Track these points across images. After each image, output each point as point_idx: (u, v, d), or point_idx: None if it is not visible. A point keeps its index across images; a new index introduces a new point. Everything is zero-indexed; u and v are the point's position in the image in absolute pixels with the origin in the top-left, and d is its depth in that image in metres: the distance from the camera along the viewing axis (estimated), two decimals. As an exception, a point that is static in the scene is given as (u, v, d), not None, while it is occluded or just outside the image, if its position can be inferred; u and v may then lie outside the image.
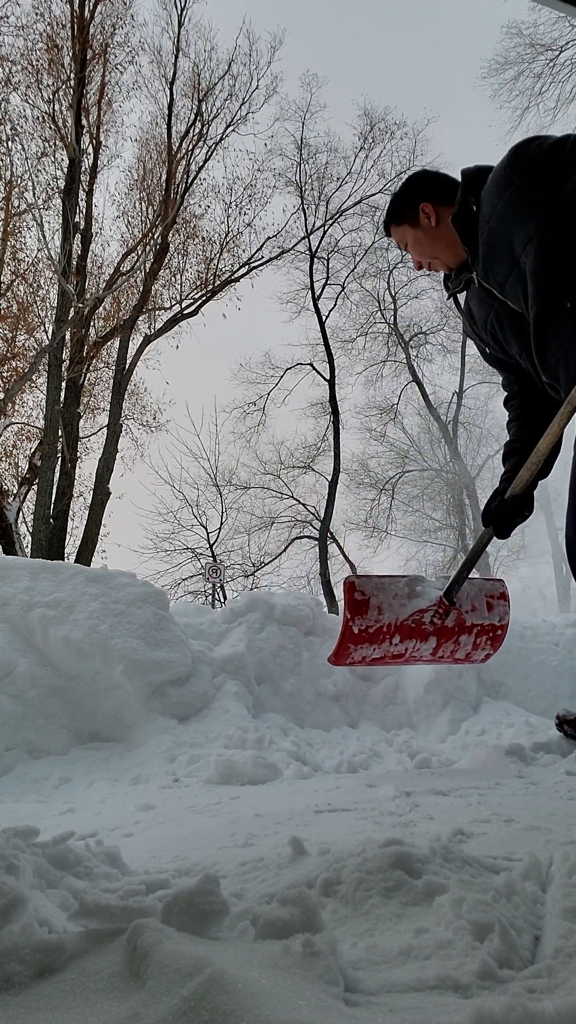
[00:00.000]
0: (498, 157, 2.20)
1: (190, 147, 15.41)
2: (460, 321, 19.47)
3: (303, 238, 18.04)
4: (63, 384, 12.95)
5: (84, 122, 13.95)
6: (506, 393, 2.69)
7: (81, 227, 14.04)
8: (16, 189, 13.62)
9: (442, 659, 3.09)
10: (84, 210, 14.43)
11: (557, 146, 2.04)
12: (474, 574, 3.20)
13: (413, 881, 1.06)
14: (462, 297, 2.64)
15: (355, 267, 19.07)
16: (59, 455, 12.97)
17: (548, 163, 2.04)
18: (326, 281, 18.93)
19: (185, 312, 16.28)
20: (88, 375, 15.29)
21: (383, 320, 20.10)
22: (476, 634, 3.08)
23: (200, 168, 15.66)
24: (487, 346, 2.52)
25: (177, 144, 15.21)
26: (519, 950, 0.89)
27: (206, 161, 15.71)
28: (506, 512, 2.61)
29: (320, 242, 18.38)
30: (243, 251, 16.87)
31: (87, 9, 13.80)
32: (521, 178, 2.09)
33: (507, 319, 2.32)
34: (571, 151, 2.00)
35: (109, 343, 15.37)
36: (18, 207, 13.87)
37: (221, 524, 20.16)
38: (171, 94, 15.14)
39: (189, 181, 15.41)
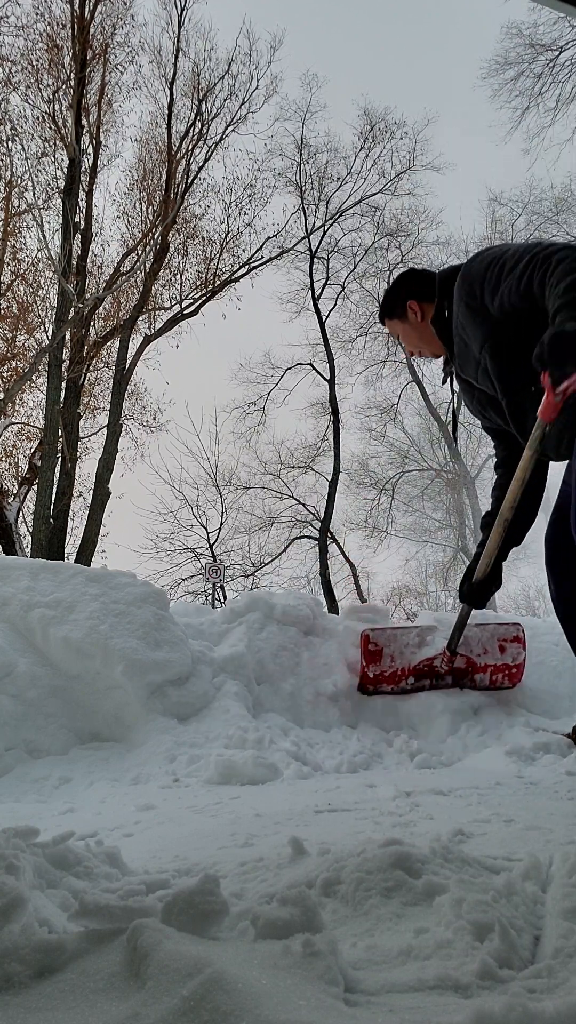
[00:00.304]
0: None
1: (190, 147, 15.42)
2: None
3: (303, 238, 18.04)
4: (63, 384, 12.95)
5: (84, 122, 13.95)
6: (496, 460, 2.99)
7: (81, 227, 14.05)
8: (16, 189, 13.63)
9: (463, 688, 3.52)
10: (84, 210, 14.43)
11: (490, 265, 2.33)
12: (490, 618, 3.66)
13: (413, 881, 1.06)
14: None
15: (355, 267, 19.08)
16: (59, 455, 12.98)
17: (478, 283, 2.36)
18: (326, 281, 18.94)
19: (185, 312, 16.28)
20: (88, 375, 15.30)
21: (383, 320, 20.07)
22: (491, 672, 3.51)
23: (200, 168, 15.68)
24: (481, 418, 2.80)
25: (177, 144, 15.22)
26: (519, 950, 0.89)
27: (206, 161, 15.72)
28: (475, 594, 3.02)
29: (320, 242, 18.39)
30: (243, 251, 16.89)
31: (87, 9, 13.81)
32: (467, 294, 2.41)
33: (488, 402, 2.62)
34: (497, 272, 2.29)
35: (109, 343, 15.38)
36: (18, 207, 13.88)
37: (221, 524, 20.17)
38: (171, 94, 15.16)
39: (189, 181, 15.41)
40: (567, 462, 2.52)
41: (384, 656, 3.44)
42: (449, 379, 2.82)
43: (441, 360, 2.82)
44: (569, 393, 2.18)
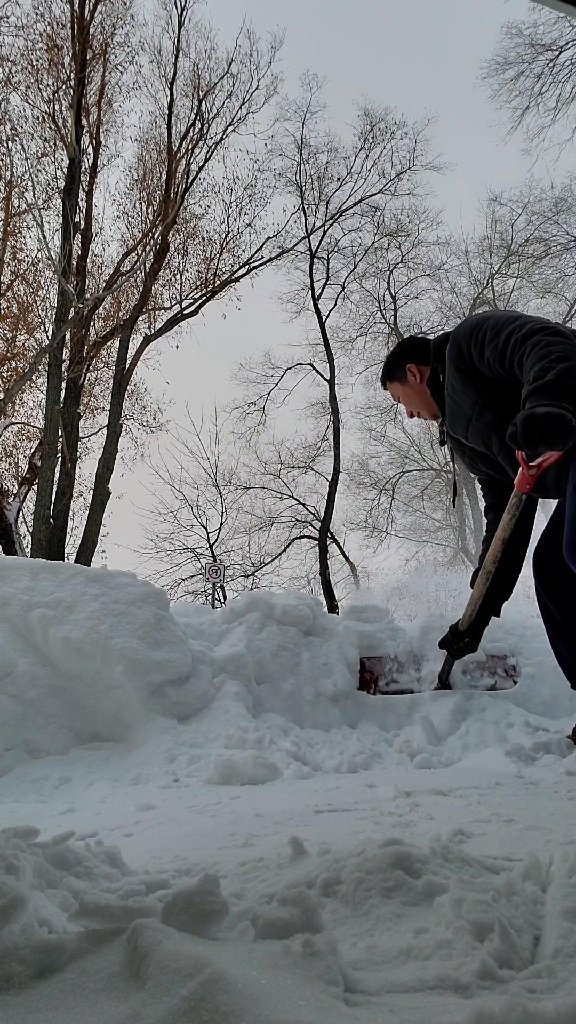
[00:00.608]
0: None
1: (190, 147, 15.42)
2: (460, 321, 19.48)
3: (303, 238, 18.04)
4: (63, 384, 12.95)
5: (84, 122, 13.95)
6: (486, 506, 3.18)
7: (81, 227, 14.04)
8: (16, 189, 13.63)
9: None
10: (84, 210, 14.43)
11: (474, 330, 2.55)
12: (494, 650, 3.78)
13: (413, 881, 1.06)
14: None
15: (355, 267, 19.09)
16: (59, 455, 12.97)
17: (465, 346, 2.58)
18: (326, 281, 18.94)
19: (185, 312, 16.28)
20: (88, 375, 15.30)
21: (383, 320, 20.11)
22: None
23: (200, 168, 15.67)
24: (473, 471, 3.03)
25: (177, 144, 15.22)
26: (519, 950, 0.89)
27: (206, 161, 15.72)
28: (453, 646, 3.37)
29: (320, 242, 18.39)
30: (243, 251, 16.89)
31: (87, 9, 13.80)
32: (456, 357, 2.64)
33: (478, 457, 2.86)
34: (480, 338, 2.50)
35: (109, 343, 15.38)
36: (18, 207, 13.88)
37: (221, 524, 20.18)
38: (171, 94, 15.15)
39: (189, 181, 15.41)
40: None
41: (381, 677, 3.75)
42: (445, 437, 3.06)
43: (436, 423, 3.07)
44: (543, 468, 2.45)
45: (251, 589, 18.72)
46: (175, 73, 15.14)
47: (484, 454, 2.81)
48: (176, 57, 15.12)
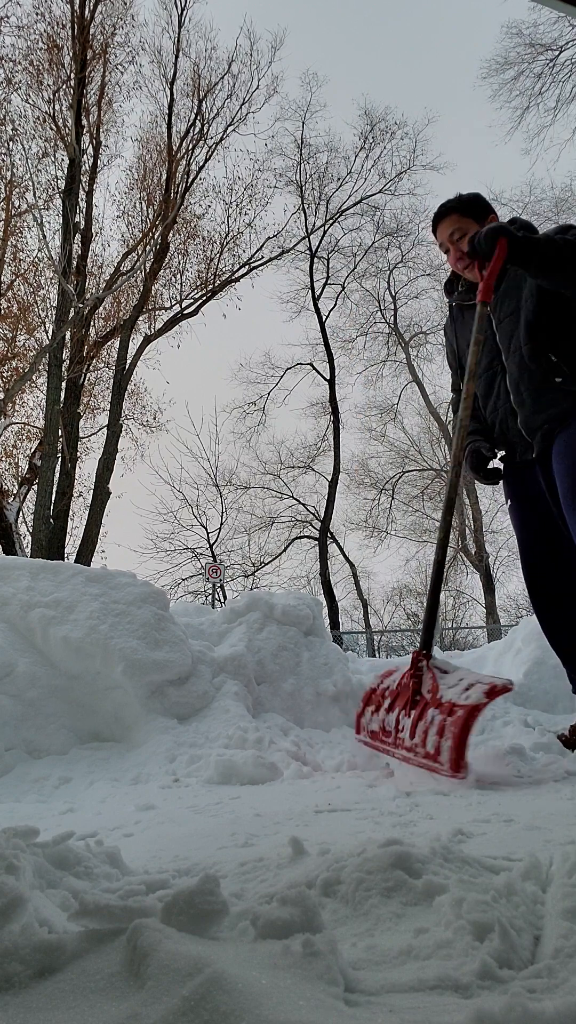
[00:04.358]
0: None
1: (190, 147, 15.42)
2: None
3: (303, 238, 18.06)
4: (63, 384, 12.94)
5: (84, 122, 13.95)
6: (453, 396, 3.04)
7: (81, 227, 14.04)
8: (17, 189, 13.62)
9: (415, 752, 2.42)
10: (84, 210, 14.43)
11: (559, 227, 2.52)
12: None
13: (413, 881, 1.06)
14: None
15: (355, 267, 19.12)
16: (59, 455, 12.97)
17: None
18: (326, 281, 18.96)
19: (185, 312, 16.29)
20: (88, 375, 15.29)
21: (383, 320, 20.12)
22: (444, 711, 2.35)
23: (200, 168, 15.68)
24: (460, 356, 2.92)
25: (177, 144, 15.22)
26: (519, 950, 0.89)
27: (206, 161, 15.72)
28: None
29: (320, 242, 18.41)
30: (243, 251, 16.89)
31: (87, 9, 13.80)
32: None
33: (491, 351, 2.74)
34: (562, 231, 2.48)
35: (109, 343, 15.37)
36: (19, 207, 13.87)
37: (221, 524, 20.19)
38: (171, 94, 15.16)
39: (189, 181, 15.42)
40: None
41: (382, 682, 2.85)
42: (452, 312, 2.95)
43: (446, 281, 2.95)
44: (492, 276, 2.50)
45: (251, 589, 18.74)
46: (175, 73, 15.16)
47: (497, 351, 2.70)
48: (176, 57, 15.14)
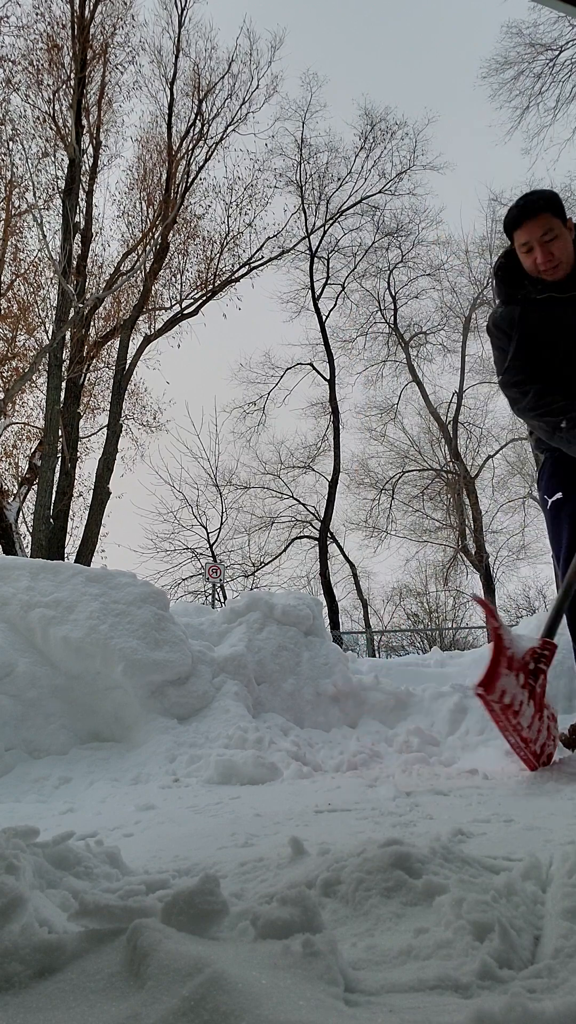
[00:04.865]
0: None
1: (190, 147, 15.42)
2: (460, 321, 19.48)
3: (303, 238, 18.06)
4: (63, 384, 12.94)
5: (84, 122, 13.94)
6: (518, 388, 2.79)
7: (81, 227, 14.04)
8: (17, 189, 13.62)
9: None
10: (84, 210, 14.43)
11: None
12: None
13: (413, 881, 1.06)
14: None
15: (355, 267, 19.10)
16: (59, 455, 12.97)
17: None
18: (326, 281, 18.95)
19: (185, 312, 16.29)
20: (88, 375, 15.29)
21: (383, 320, 20.10)
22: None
23: (200, 168, 15.68)
24: (527, 361, 2.74)
25: (177, 144, 15.22)
26: (519, 950, 0.89)
27: (206, 161, 15.72)
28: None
29: (320, 242, 18.41)
30: (243, 251, 16.89)
31: (87, 9, 13.80)
32: None
33: (568, 343, 2.67)
34: None
35: (109, 343, 15.37)
36: (19, 207, 13.86)
37: (221, 524, 20.17)
38: (171, 94, 15.16)
39: (189, 181, 15.42)
40: None
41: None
42: (518, 311, 2.73)
43: (497, 268, 2.78)
44: None
45: (251, 589, 18.73)
46: (175, 73, 15.16)
47: (572, 344, 2.64)
48: (176, 57, 15.14)
